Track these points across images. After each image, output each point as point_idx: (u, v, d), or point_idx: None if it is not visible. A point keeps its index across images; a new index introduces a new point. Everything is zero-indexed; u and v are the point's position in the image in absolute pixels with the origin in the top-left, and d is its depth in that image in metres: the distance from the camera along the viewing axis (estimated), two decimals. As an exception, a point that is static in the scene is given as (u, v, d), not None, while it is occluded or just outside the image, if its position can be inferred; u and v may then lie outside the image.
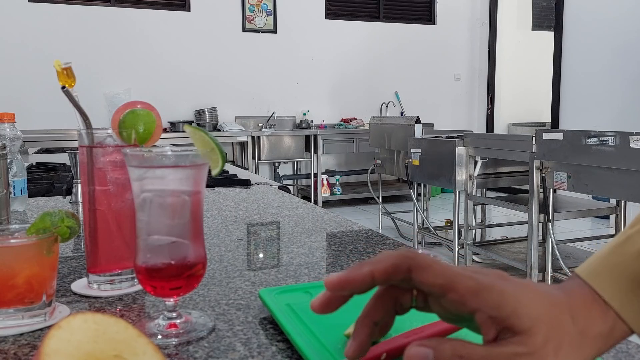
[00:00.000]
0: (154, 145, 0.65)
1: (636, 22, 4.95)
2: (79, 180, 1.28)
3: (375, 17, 6.81)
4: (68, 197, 1.39)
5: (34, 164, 2.09)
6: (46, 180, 1.65)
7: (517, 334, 0.34)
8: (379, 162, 4.71)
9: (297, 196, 2.29)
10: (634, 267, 0.40)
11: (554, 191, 3.25)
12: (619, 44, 5.15)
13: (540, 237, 3.24)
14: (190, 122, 5.86)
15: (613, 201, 3.50)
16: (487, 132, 7.07)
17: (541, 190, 3.09)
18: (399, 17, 6.90)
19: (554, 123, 5.90)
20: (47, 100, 5.16)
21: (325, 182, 6.07)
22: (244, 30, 6.20)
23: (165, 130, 5.43)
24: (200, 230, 0.57)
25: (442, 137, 3.90)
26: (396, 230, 4.84)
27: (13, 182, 1.17)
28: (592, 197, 4.01)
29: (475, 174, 3.59)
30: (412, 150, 4.00)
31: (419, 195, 4.36)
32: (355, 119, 6.50)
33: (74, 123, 0.76)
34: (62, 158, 2.45)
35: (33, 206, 1.28)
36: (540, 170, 3.08)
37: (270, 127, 6.12)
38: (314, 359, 0.47)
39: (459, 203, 3.73)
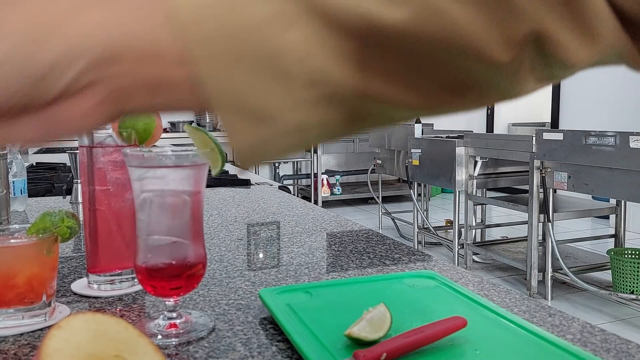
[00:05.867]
0: (154, 145, 0.65)
1: (636, 22, 4.95)
2: (79, 180, 1.28)
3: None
4: (68, 197, 1.39)
5: (34, 164, 2.09)
6: (46, 180, 1.65)
7: None
8: (379, 162, 4.71)
9: (297, 196, 2.29)
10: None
11: (554, 191, 3.25)
12: (619, 44, 5.15)
13: (540, 237, 3.24)
14: (191, 122, 5.86)
15: (613, 201, 3.50)
16: (487, 132, 7.06)
17: (541, 190, 3.09)
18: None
19: (554, 123, 5.90)
20: (47, 100, 5.15)
21: (325, 182, 6.07)
22: (244, 30, 6.18)
23: (165, 130, 5.43)
24: (201, 230, 0.57)
25: (442, 137, 3.90)
26: (396, 230, 4.84)
27: (13, 182, 1.17)
28: (592, 197, 4.01)
29: (475, 174, 3.59)
30: (412, 150, 4.00)
31: (419, 195, 4.36)
32: (355, 119, 6.50)
33: (74, 123, 0.76)
34: (62, 158, 2.45)
35: (33, 206, 1.28)
36: (540, 170, 3.08)
37: (270, 127, 6.12)
38: (314, 359, 0.47)
39: (459, 203, 3.73)
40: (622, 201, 3.27)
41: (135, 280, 0.69)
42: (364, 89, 0.29)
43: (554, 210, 3.14)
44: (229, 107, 0.29)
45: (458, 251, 3.75)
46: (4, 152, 0.95)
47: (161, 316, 0.58)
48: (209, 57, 0.27)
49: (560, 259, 3.03)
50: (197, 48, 0.27)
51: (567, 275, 3.05)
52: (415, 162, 3.98)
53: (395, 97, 0.30)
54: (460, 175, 3.58)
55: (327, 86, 0.29)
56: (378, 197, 4.94)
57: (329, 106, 0.30)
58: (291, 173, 6.51)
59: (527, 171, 3.18)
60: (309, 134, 0.31)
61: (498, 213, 5.30)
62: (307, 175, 6.31)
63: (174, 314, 0.57)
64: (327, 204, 6.06)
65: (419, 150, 3.94)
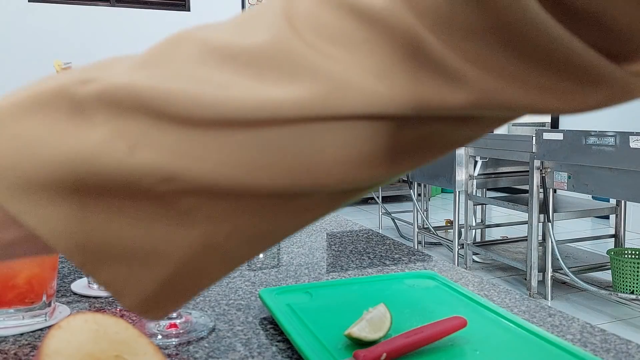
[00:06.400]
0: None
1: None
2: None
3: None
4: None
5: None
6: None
7: None
8: (379, 162, 4.70)
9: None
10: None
11: (554, 191, 3.25)
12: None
13: (540, 237, 3.24)
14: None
15: (613, 201, 3.50)
16: (487, 132, 7.06)
17: (541, 190, 3.09)
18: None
19: (554, 123, 5.90)
20: (47, 100, 5.16)
21: (325, 182, 6.06)
22: (244, 30, 6.19)
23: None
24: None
25: (442, 137, 3.89)
26: (396, 230, 4.83)
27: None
28: (592, 197, 4.01)
29: (475, 174, 3.59)
30: (412, 150, 4.00)
31: (419, 195, 4.36)
32: (355, 119, 6.49)
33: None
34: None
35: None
36: (540, 170, 3.08)
37: (270, 127, 6.11)
38: (314, 359, 0.47)
39: (459, 203, 3.73)
40: (622, 201, 3.27)
41: (135, 280, 0.69)
42: (257, 192, 0.24)
43: (554, 210, 3.14)
44: (97, 261, 0.23)
45: (458, 251, 3.75)
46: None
47: (161, 316, 0.58)
48: (40, 209, 0.22)
49: (560, 259, 3.02)
50: (16, 202, 0.22)
51: (567, 275, 3.05)
52: (415, 162, 3.98)
53: (316, 184, 0.25)
54: (460, 175, 3.58)
55: (214, 197, 0.23)
56: (378, 197, 4.94)
57: (227, 210, 0.24)
58: (291, 173, 6.50)
59: (527, 171, 3.18)
60: (224, 248, 0.25)
61: (498, 213, 5.31)
62: (307, 175, 6.31)
63: (174, 314, 0.57)
64: (327, 204, 6.06)
65: (419, 150, 3.93)
